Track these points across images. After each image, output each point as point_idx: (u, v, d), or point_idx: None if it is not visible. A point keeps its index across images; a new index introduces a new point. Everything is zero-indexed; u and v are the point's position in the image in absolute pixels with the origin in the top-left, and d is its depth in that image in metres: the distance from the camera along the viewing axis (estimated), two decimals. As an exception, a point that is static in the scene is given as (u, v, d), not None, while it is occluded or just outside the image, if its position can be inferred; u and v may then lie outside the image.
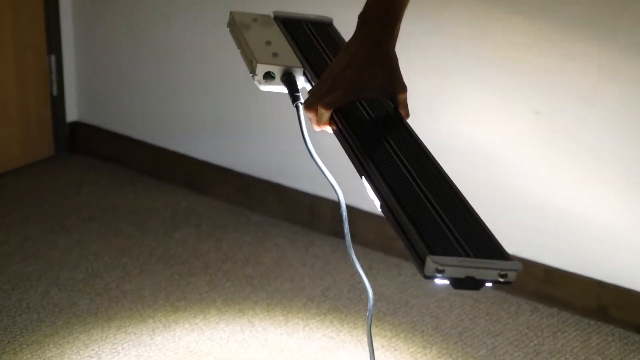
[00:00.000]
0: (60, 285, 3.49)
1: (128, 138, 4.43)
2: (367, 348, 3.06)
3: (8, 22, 4.21)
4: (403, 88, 1.97)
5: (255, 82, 2.17)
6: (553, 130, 3.41)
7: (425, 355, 3.20)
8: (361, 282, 3.56)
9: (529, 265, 3.46)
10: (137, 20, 4.28)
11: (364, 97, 2.03)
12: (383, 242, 3.82)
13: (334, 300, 3.47)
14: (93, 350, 3.12)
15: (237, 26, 2.36)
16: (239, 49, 2.34)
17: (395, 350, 3.21)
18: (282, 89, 2.17)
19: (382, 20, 2.07)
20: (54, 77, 4.41)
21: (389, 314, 3.40)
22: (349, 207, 3.90)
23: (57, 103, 4.46)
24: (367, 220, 3.82)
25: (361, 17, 2.07)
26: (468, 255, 1.63)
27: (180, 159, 4.29)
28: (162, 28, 4.21)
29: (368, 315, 2.57)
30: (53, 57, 4.37)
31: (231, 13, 2.43)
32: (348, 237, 2.12)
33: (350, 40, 2.08)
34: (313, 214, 3.97)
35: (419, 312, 3.43)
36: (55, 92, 4.42)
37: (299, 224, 4.00)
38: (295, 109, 2.08)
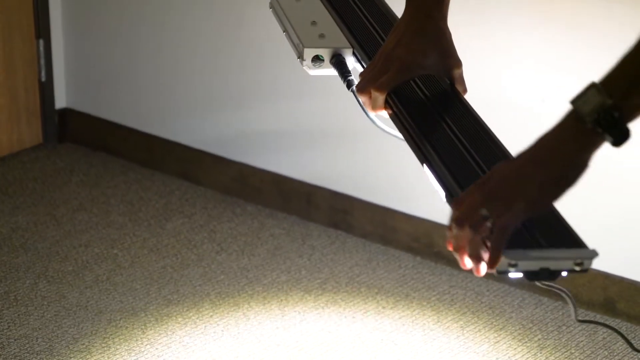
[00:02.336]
0: (49, 277, 3.49)
1: (119, 126, 4.43)
2: (365, 342, 3.20)
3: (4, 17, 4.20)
4: (458, 63, 1.92)
5: (304, 67, 2.13)
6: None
7: (427, 350, 3.21)
8: (360, 275, 3.56)
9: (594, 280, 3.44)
10: (129, 4, 4.28)
11: (417, 74, 1.98)
12: (383, 233, 3.82)
13: (332, 293, 3.48)
14: (83, 344, 3.13)
15: (280, 7, 2.31)
16: (283, 31, 2.31)
17: (396, 345, 3.22)
18: (333, 72, 2.12)
19: None
20: (42, 62, 4.41)
21: (389, 308, 3.41)
22: (347, 197, 3.88)
23: (46, 89, 4.46)
24: (366, 210, 3.84)
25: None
26: (541, 246, 1.61)
27: (173, 147, 4.30)
28: (154, 13, 4.22)
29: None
30: (42, 42, 4.38)
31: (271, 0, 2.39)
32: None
33: (400, 17, 2.05)
34: (310, 204, 3.97)
35: (419, 306, 3.43)
36: (43, 78, 4.43)
37: (296, 214, 4.01)
38: (352, 94, 2.02)
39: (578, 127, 1.62)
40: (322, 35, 2.15)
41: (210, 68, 4.16)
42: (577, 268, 1.56)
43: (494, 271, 1.64)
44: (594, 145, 1.64)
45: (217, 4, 4.06)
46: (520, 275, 1.57)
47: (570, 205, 3.37)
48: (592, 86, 1.60)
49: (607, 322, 3.28)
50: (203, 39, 4.12)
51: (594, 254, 1.57)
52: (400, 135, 1.93)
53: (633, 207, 3.33)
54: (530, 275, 1.57)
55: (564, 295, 1.63)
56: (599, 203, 3.38)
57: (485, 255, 1.66)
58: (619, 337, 3.13)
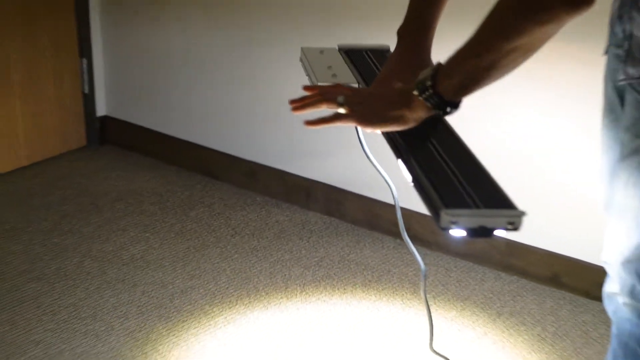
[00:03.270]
0: (93, 256, 3.53)
1: (150, 130, 4.46)
2: (354, 310, 3.24)
3: (46, 32, 4.25)
4: (396, 95, 1.95)
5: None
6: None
7: (405, 315, 3.24)
8: (350, 254, 3.61)
9: (493, 240, 3.51)
10: (158, 28, 4.29)
11: None
12: (369, 219, 3.86)
13: (326, 269, 3.52)
14: (121, 311, 3.17)
15: (306, 58, 2.37)
16: (307, 76, 2.37)
17: (379, 311, 3.26)
18: None
19: (415, 35, 2.12)
20: (85, 77, 4.45)
21: (374, 281, 3.46)
22: (340, 190, 3.94)
23: (88, 100, 4.50)
24: (356, 201, 3.88)
25: (398, 33, 2.14)
26: (478, 207, 1.69)
27: (196, 149, 4.32)
28: (179, 35, 4.24)
29: (422, 281, 2.61)
30: (84, 60, 4.42)
31: (302, 49, 2.45)
32: (404, 232, 2.17)
33: (393, 51, 2.15)
34: (309, 196, 4.01)
35: (399, 279, 3.47)
36: (86, 91, 4.47)
37: (297, 204, 4.05)
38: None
39: (421, 94, 1.86)
40: (334, 75, 2.24)
41: (226, 82, 4.17)
42: (510, 226, 1.66)
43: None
44: (418, 107, 1.88)
45: (229, 25, 4.08)
46: (461, 231, 1.65)
47: (521, 192, 3.42)
48: (433, 68, 1.86)
49: (554, 294, 3.42)
50: (222, 57, 4.12)
51: (523, 213, 1.67)
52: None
53: (574, 194, 3.34)
54: (470, 232, 1.65)
55: (503, 228, 1.68)
56: (545, 190, 3.41)
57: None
58: (564, 305, 3.31)
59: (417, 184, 1.83)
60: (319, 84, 2.19)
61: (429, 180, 1.80)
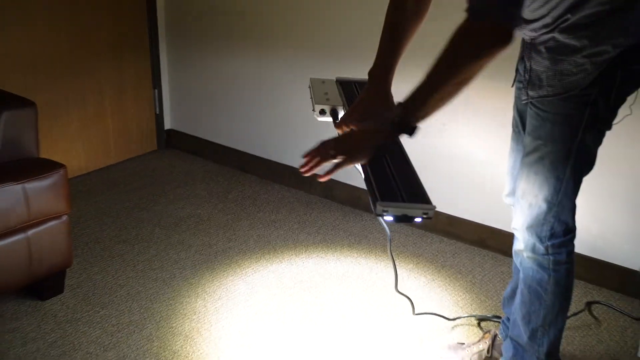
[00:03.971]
0: (161, 225, 3.60)
1: (202, 139, 4.47)
2: (342, 263, 3.34)
3: (129, 67, 4.26)
4: (371, 134, 1.92)
5: (314, 115, 2.22)
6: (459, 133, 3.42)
7: (377, 267, 3.27)
8: (339, 225, 3.60)
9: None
10: (210, 64, 4.25)
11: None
12: (352, 200, 3.86)
13: (323, 235, 3.55)
14: (180, 265, 3.21)
15: (311, 85, 2.34)
16: (310, 98, 2.32)
17: (359, 264, 3.28)
18: (329, 119, 2.20)
19: (380, 77, 2.11)
20: (156, 102, 4.46)
21: (355, 244, 3.47)
22: (332, 180, 3.81)
23: (159, 118, 4.52)
24: (343, 187, 3.86)
25: (369, 73, 2.13)
26: (404, 200, 1.73)
27: (233, 151, 4.32)
28: (227, 67, 4.17)
29: (389, 243, 2.73)
30: (156, 91, 4.43)
31: (310, 79, 2.41)
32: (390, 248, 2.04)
33: (364, 87, 2.14)
34: (311, 185, 4.00)
35: (373, 243, 3.48)
36: (157, 112, 4.49)
37: (302, 190, 4.05)
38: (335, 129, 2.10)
39: (391, 124, 1.85)
40: (327, 99, 2.22)
41: (257, 101, 4.11)
42: (424, 216, 1.71)
43: (373, 211, 1.75)
44: (392, 136, 1.87)
45: (265, 61, 3.98)
46: (390, 218, 1.71)
47: (460, 184, 3.33)
48: (399, 104, 1.84)
49: (481, 252, 3.44)
50: (262, 83, 4.03)
51: (434, 208, 1.72)
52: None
53: (493, 183, 3.27)
54: (396, 218, 1.71)
55: (418, 218, 1.74)
56: (476, 182, 3.40)
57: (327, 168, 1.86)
58: (488, 260, 3.37)
59: (366, 181, 1.85)
60: (316, 105, 2.19)
61: (374, 179, 1.82)
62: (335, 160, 1.87)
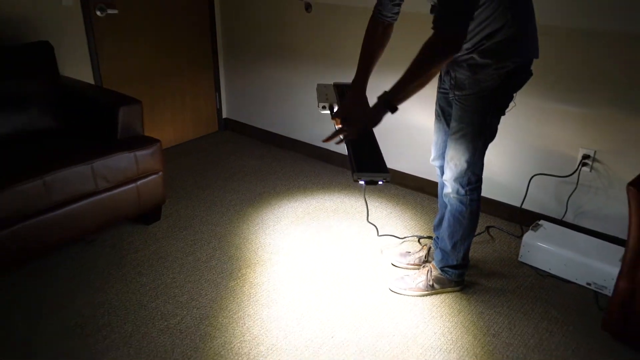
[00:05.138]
0: (221, 178, 3.52)
1: (248, 124, 4.29)
2: (333, 200, 3.24)
3: (201, 75, 4.10)
4: (369, 111, 1.85)
5: (319, 109, 2.14)
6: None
7: (356, 204, 3.21)
8: (335, 179, 3.61)
9: (394, 171, 3.43)
10: (253, 72, 4.03)
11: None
12: (344, 164, 3.76)
13: (323, 184, 3.49)
14: (232, 202, 3.17)
15: (317, 88, 2.26)
16: (317, 98, 2.28)
17: (345, 203, 3.23)
18: (328, 112, 2.11)
19: (359, 84, 2.04)
20: (217, 101, 4.29)
21: (343, 190, 3.41)
22: (331, 152, 3.83)
23: (219, 110, 4.34)
24: (337, 157, 3.76)
25: (352, 83, 2.07)
26: (371, 172, 1.71)
27: (268, 132, 4.14)
28: (265, 74, 3.95)
29: (363, 191, 2.70)
30: (217, 94, 4.28)
31: (317, 84, 2.32)
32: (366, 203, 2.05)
33: (350, 90, 2.07)
34: (318, 154, 3.88)
35: (355, 191, 3.41)
36: (218, 107, 4.33)
37: (312, 157, 3.92)
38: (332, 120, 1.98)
39: (380, 105, 1.78)
40: (327, 98, 2.12)
41: (287, 99, 3.89)
42: (384, 181, 1.71)
43: (354, 178, 1.70)
44: (384, 112, 1.80)
45: (293, 69, 3.78)
46: (362, 182, 1.70)
47: (396, 146, 3.33)
48: (385, 93, 1.78)
49: (419, 194, 3.32)
50: (295, 84, 3.78)
51: (390, 175, 1.72)
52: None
53: (428, 152, 3.17)
54: (366, 182, 1.71)
55: (380, 182, 1.71)
56: (416, 150, 3.31)
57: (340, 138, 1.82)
58: (425, 199, 3.27)
59: (348, 157, 1.82)
60: (320, 103, 2.10)
61: (353, 156, 1.79)
62: (337, 127, 1.86)
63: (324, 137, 1.86)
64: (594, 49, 2.52)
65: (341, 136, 1.86)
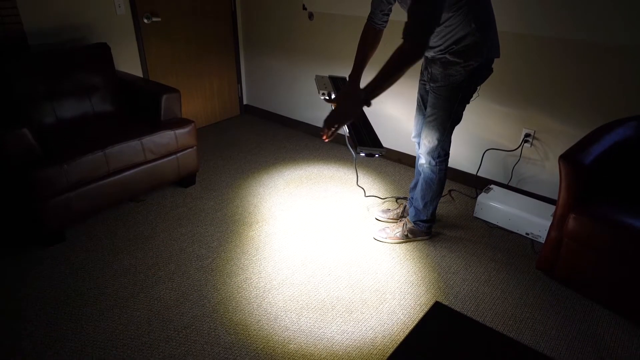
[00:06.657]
0: (241, 152, 3.42)
1: (264, 110, 4.09)
2: (331, 169, 3.17)
3: (226, 68, 3.94)
4: (361, 105, 1.77)
5: (320, 96, 2.08)
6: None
7: (348, 171, 3.14)
8: (330, 151, 3.56)
9: (391, 152, 3.34)
10: (269, 64, 3.83)
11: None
12: (341, 140, 3.62)
13: (322, 156, 3.39)
14: (250, 169, 3.13)
15: (315, 80, 2.14)
16: (316, 87, 2.22)
17: (339, 170, 3.16)
18: (327, 97, 2.00)
19: (354, 81, 1.95)
20: (239, 90, 4.11)
21: (339, 160, 3.34)
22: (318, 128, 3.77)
23: (240, 97, 4.16)
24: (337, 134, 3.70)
25: (349, 77, 2.00)
26: (370, 146, 1.67)
27: (280, 116, 3.97)
28: (279, 66, 3.77)
29: (354, 161, 2.68)
30: (239, 85, 4.11)
31: (315, 75, 2.25)
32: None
33: (347, 81, 2.00)
34: (315, 132, 3.77)
35: (348, 160, 3.33)
36: (240, 95, 4.15)
37: (314, 135, 3.79)
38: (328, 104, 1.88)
39: (360, 98, 1.72)
40: (325, 87, 2.03)
41: (293, 89, 3.72)
42: (380, 153, 1.68)
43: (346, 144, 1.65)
44: (360, 106, 1.73)
45: (303, 63, 3.64)
46: (363, 154, 1.67)
47: (381, 127, 3.28)
48: (361, 89, 1.71)
49: (399, 166, 3.24)
50: (295, 78, 3.65)
51: (384, 150, 1.69)
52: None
53: (407, 130, 3.20)
54: (366, 155, 1.67)
55: (377, 155, 1.65)
56: (401, 130, 3.26)
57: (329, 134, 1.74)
58: (402, 169, 3.18)
59: (350, 134, 1.78)
60: (320, 90, 1.98)
61: (354, 133, 1.76)
62: (334, 128, 1.79)
63: (323, 135, 1.78)
64: (534, 51, 2.52)
65: (333, 129, 1.79)
